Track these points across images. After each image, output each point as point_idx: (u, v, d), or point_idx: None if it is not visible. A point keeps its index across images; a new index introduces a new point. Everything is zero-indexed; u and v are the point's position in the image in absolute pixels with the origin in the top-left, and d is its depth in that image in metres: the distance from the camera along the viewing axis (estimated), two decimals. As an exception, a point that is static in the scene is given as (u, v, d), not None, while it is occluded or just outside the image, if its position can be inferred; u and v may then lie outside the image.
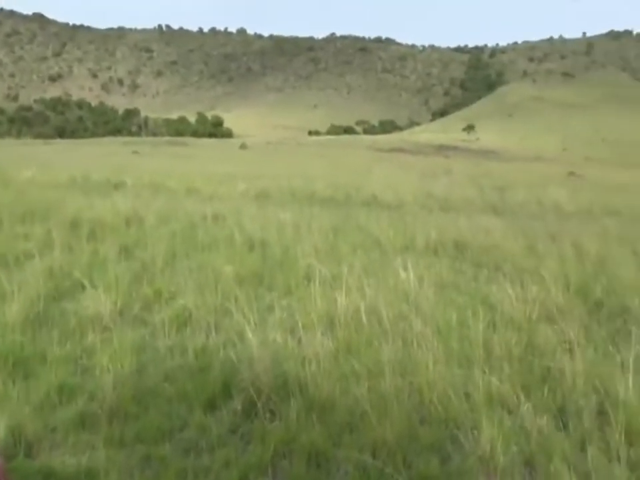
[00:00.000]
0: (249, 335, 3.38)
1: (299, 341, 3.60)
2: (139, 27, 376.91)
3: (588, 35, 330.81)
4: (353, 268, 5.07)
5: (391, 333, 3.78)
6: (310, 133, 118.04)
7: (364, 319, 3.97)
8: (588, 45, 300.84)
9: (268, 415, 2.89)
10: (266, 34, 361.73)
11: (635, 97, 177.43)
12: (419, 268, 5.39)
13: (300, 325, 3.70)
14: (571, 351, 3.58)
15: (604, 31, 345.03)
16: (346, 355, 3.49)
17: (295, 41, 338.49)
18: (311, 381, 3.09)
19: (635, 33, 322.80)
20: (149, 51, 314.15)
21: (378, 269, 5.42)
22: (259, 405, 2.93)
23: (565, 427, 2.87)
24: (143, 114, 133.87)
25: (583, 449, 2.68)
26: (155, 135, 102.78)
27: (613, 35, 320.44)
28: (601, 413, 2.94)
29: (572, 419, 2.91)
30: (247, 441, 2.75)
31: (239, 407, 2.94)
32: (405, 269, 4.99)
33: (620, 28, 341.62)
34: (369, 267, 5.47)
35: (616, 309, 4.64)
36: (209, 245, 6.12)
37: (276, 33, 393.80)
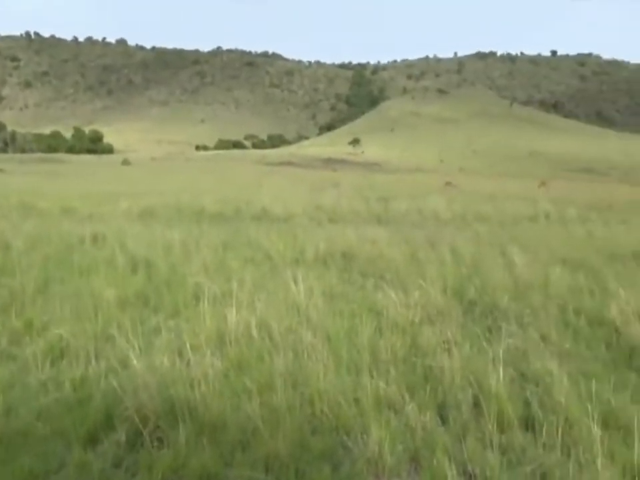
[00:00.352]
0: (134, 360, 3.30)
1: (188, 363, 3.55)
2: (3, 33, 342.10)
3: (459, 55, 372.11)
4: (243, 283, 5.13)
5: (282, 346, 3.83)
6: (197, 147, 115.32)
7: (255, 334, 3.99)
8: (459, 64, 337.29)
9: (155, 443, 2.84)
10: (148, 45, 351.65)
11: (500, 113, 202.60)
12: (309, 280, 5.56)
13: (188, 345, 3.66)
14: (449, 349, 3.90)
15: (472, 51, 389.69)
16: (237, 372, 3.49)
17: (179, 54, 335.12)
18: (201, 402, 3.07)
19: (498, 54, 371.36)
20: (15, 59, 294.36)
21: (268, 283, 5.48)
22: (145, 433, 2.87)
23: (446, 421, 3.09)
24: (9, 128, 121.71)
25: (462, 440, 2.91)
26: (24, 151, 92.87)
27: (480, 56, 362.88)
28: (477, 404, 3.21)
29: (452, 413, 3.14)
30: (132, 473, 2.69)
31: (123, 438, 2.88)
32: (295, 281, 5.12)
33: (486, 49, 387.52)
34: (259, 281, 5.52)
35: (488, 307, 5.14)
36: (88, 269, 5.90)
37: (159, 44, 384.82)
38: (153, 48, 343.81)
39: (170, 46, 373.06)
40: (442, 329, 4.22)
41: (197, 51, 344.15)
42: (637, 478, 2.68)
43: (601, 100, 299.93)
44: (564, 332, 4.52)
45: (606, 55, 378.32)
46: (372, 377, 3.42)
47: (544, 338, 4.34)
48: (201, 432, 2.87)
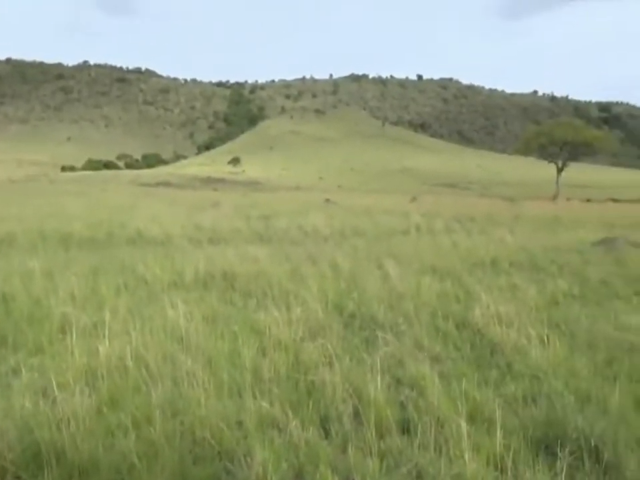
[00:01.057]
0: (-12, 405, 2.94)
1: (54, 402, 3.31)
2: None
3: (334, 76, 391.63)
4: (116, 312, 4.94)
5: (160, 375, 3.73)
6: (63, 168, 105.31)
7: (130, 365, 3.84)
8: (334, 85, 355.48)
9: (17, 496, 2.56)
10: (2, 57, 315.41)
11: (374, 132, 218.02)
12: (189, 303, 5.48)
13: (54, 384, 3.42)
14: (330, 363, 4.07)
15: (347, 73, 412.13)
16: (110, 407, 3.34)
17: (39, 67, 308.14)
18: (70, 444, 2.88)
19: (370, 76, 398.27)
20: None
21: (145, 310, 5.31)
22: (3, 487, 2.58)
23: (329, 434, 3.21)
24: None
25: (344, 450, 3.04)
26: None
27: (354, 78, 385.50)
28: (357, 414, 3.38)
29: (334, 425, 3.27)
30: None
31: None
32: (174, 306, 5.01)
33: (359, 72, 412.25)
34: (134, 308, 5.34)
35: (366, 318, 5.48)
36: None
37: (15, 56, 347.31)
38: (8, 60, 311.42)
39: (28, 58, 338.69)
40: (324, 343, 4.38)
41: (60, 65, 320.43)
42: (499, 465, 2.95)
43: (461, 121, 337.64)
44: (435, 337, 4.96)
45: (464, 80, 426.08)
46: (255, 397, 3.45)
47: (417, 344, 4.72)
48: (70, 477, 2.69)
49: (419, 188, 68.30)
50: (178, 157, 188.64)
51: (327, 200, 27.10)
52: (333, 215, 18.27)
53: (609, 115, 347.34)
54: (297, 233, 13.55)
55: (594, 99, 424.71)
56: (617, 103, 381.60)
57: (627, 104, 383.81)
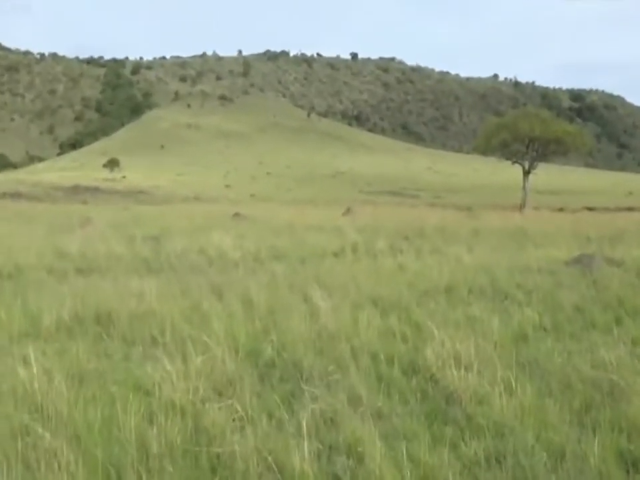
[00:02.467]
0: None
1: None
2: None
3: (244, 53, 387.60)
4: None
5: (6, 457, 3.62)
6: None
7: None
8: (245, 65, 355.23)
9: None
10: None
11: (297, 126, 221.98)
12: (48, 358, 5.42)
13: None
14: (242, 428, 4.11)
15: (260, 50, 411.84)
16: None
17: None
18: None
19: (292, 54, 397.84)
20: None
21: (-16, 369, 5.12)
22: None
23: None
24: None
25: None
26: None
27: (270, 56, 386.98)
28: (278, 492, 3.38)
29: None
30: None
31: None
32: (27, 362, 4.94)
33: (276, 48, 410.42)
34: None
35: (289, 367, 5.58)
36: None
37: None
38: None
39: None
40: (232, 402, 4.40)
41: None
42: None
43: (406, 112, 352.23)
44: (376, 387, 5.12)
45: (410, 61, 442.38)
46: (140, 478, 3.42)
47: (354, 397, 4.84)
48: None
49: (354, 196, 70.05)
50: (32, 159, 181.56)
51: (237, 214, 27.15)
52: (245, 233, 18.37)
53: (582, 105, 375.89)
54: (197, 257, 13.57)
55: (564, 86, 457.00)
56: (591, 91, 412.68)
57: (603, 92, 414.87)
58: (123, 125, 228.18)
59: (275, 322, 7.03)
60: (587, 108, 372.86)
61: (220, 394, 4.83)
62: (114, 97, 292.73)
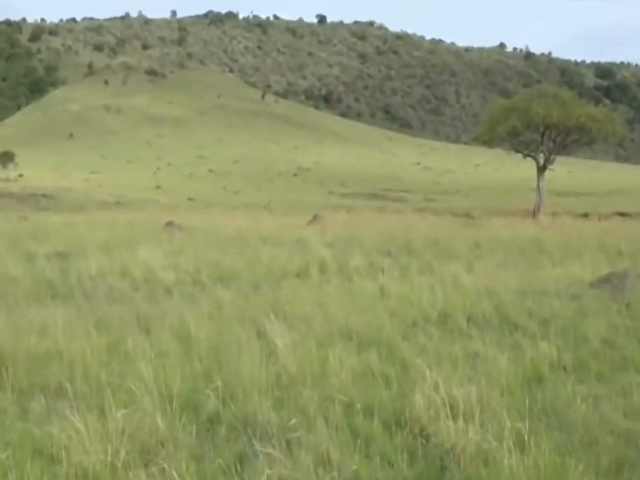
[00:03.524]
0: None
1: None
2: None
3: (180, 15, 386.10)
4: None
5: None
6: None
7: None
8: (180, 30, 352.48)
9: None
10: None
11: (248, 109, 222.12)
12: None
13: None
14: (177, 501, 4.10)
15: (200, 10, 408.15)
16: None
17: None
18: None
19: (241, 16, 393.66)
20: None
21: None
22: None
23: None
24: None
25: None
26: None
27: (213, 18, 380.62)
28: None
29: None
30: None
31: None
32: None
33: (221, 8, 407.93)
34: None
35: (238, 422, 5.60)
36: None
37: None
38: None
39: None
40: (165, 468, 4.40)
41: None
42: None
43: (388, 91, 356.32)
44: (351, 445, 5.15)
45: (393, 27, 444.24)
46: None
47: (322, 459, 4.87)
48: None
49: (322, 200, 70.29)
50: None
51: (170, 223, 27.00)
52: (181, 249, 18.37)
53: (610, 83, 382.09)
54: (118, 281, 13.53)
55: (589, 59, 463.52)
56: (622, 65, 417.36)
57: (637, 66, 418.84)
58: (19, 107, 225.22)
59: (220, 363, 7.02)
60: (617, 86, 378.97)
61: (148, 458, 4.81)
62: (7, 70, 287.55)
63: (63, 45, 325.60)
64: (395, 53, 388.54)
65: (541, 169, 54.51)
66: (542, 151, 54.87)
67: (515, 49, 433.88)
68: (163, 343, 7.79)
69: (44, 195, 66.43)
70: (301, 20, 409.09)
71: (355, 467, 4.85)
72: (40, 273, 14.17)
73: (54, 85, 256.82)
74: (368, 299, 11.06)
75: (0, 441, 5.07)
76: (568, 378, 6.99)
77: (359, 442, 5.25)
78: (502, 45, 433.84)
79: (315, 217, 32.19)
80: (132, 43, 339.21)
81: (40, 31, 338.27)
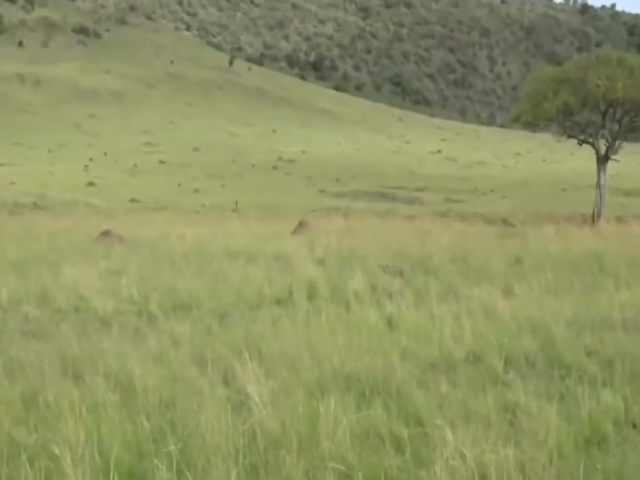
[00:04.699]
0: None
1: None
2: None
3: None
4: None
5: None
6: None
7: None
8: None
9: None
10: None
11: (212, 79, 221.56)
12: None
13: None
14: None
15: None
16: None
17: None
18: None
19: None
20: None
21: None
22: None
23: None
24: None
25: None
26: None
27: None
28: None
29: None
30: None
31: None
32: None
33: None
34: None
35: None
36: None
37: None
38: None
39: None
40: None
41: None
42: None
43: (399, 56, 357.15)
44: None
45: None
46: None
47: None
48: None
49: (311, 201, 70.32)
50: None
51: (107, 232, 26.93)
52: (122, 267, 18.45)
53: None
54: (37, 310, 13.53)
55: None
56: None
57: None
58: None
59: (174, 422, 7.02)
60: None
61: None
62: None
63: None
64: (408, 5, 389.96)
65: (602, 160, 53.87)
66: (603, 136, 54.40)
67: (567, 0, 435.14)
68: (98, 394, 7.75)
69: None
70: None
71: None
72: None
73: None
74: (371, 333, 11.05)
75: None
76: (638, 438, 7.00)
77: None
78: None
79: (300, 224, 32.17)
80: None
81: None
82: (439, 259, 19.90)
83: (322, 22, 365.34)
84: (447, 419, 6.49)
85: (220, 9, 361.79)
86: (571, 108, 53.40)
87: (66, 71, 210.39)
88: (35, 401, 7.67)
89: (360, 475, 5.96)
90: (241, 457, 6.27)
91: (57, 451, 5.83)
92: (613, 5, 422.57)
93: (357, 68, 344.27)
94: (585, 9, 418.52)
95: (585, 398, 7.89)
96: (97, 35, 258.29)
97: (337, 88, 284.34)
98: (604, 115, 54.33)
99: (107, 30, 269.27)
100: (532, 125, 60.12)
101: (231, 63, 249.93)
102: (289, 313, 13.33)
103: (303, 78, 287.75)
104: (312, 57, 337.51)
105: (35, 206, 59.79)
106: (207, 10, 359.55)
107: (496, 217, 45.25)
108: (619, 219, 43.58)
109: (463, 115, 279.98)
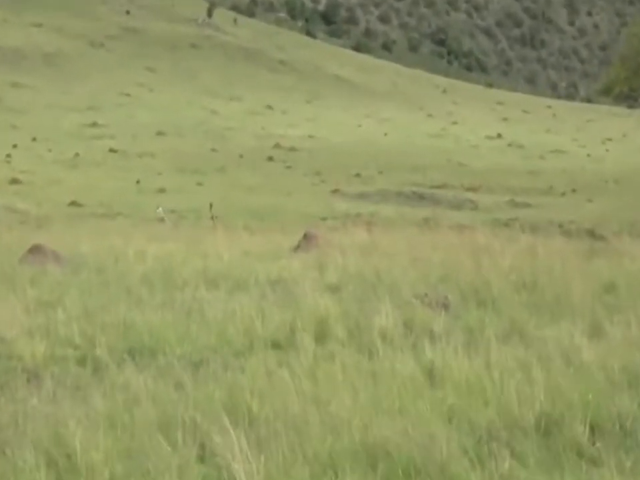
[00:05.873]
0: None
1: None
2: None
3: None
4: None
5: None
6: None
7: None
8: None
9: None
10: None
11: (179, 34, 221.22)
12: None
13: None
14: None
15: None
16: None
17: None
18: None
19: None
20: None
21: None
22: None
23: None
24: None
25: None
26: None
27: None
28: None
29: None
30: None
31: None
32: None
33: None
34: None
35: None
36: None
37: None
38: None
39: None
40: None
41: None
42: None
43: (443, 6, 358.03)
44: None
45: None
46: None
47: None
48: None
49: (321, 204, 70.45)
50: None
51: (37, 248, 27.00)
52: (57, 296, 18.57)
53: None
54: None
55: None
56: None
57: None
58: None
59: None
60: None
61: None
62: None
63: None
64: None
65: None
66: None
67: None
68: (24, 474, 7.78)
69: None
70: None
71: None
72: None
73: None
74: (405, 389, 11.05)
75: None
76: None
77: None
78: None
79: (306, 237, 32.15)
80: None
81: None
82: (499, 286, 19.87)
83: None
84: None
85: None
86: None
87: (7, 34, 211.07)
88: None
89: None
90: None
91: None
92: None
93: (384, 20, 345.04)
94: None
95: None
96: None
97: (356, 48, 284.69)
98: None
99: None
100: (629, 99, 60.52)
101: (209, 13, 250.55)
102: (290, 360, 13.33)
103: (309, 34, 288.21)
104: (322, 5, 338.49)
105: None
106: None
107: (579, 227, 45.26)
108: None
109: (532, 85, 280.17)
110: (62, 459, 8.25)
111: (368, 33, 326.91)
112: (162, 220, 52.20)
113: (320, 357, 13.42)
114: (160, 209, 55.21)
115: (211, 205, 55.81)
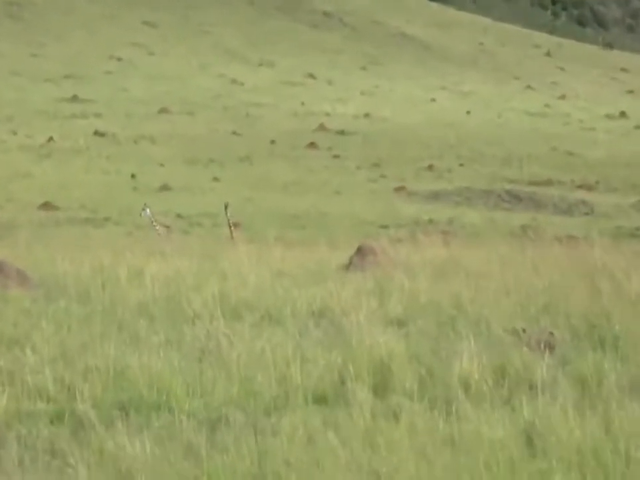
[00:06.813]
0: None
1: None
2: None
3: None
4: None
5: None
6: None
7: None
8: None
9: None
10: None
11: None
12: None
13: None
14: None
15: None
16: None
17: None
18: None
19: None
20: None
21: None
22: None
23: None
24: None
25: None
26: None
27: None
28: None
29: None
30: None
31: None
32: None
33: None
34: None
35: None
36: None
37: None
38: None
39: None
40: None
41: None
42: None
43: None
44: None
45: None
46: None
47: None
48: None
49: (381, 206, 70.64)
50: None
51: (20, 273, 27.28)
52: (24, 331, 18.83)
53: None
54: None
55: None
56: None
57: None
58: None
59: None
60: None
61: None
62: None
63: None
64: None
65: None
66: None
67: None
68: None
69: None
70: None
71: None
72: None
73: None
74: (497, 459, 11.05)
75: None
76: None
77: None
78: None
79: (360, 251, 32.32)
80: None
81: None
82: (624, 320, 19.84)
83: None
84: None
85: None
86: None
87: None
88: None
89: None
90: None
91: None
92: None
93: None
94: None
95: None
96: None
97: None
98: None
99: None
100: None
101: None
102: (340, 419, 13.36)
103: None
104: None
105: None
106: None
107: None
108: None
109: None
110: None
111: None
112: (153, 226, 51.91)
113: (380, 416, 13.43)
114: (147, 210, 53.16)
115: (226, 207, 53.92)
